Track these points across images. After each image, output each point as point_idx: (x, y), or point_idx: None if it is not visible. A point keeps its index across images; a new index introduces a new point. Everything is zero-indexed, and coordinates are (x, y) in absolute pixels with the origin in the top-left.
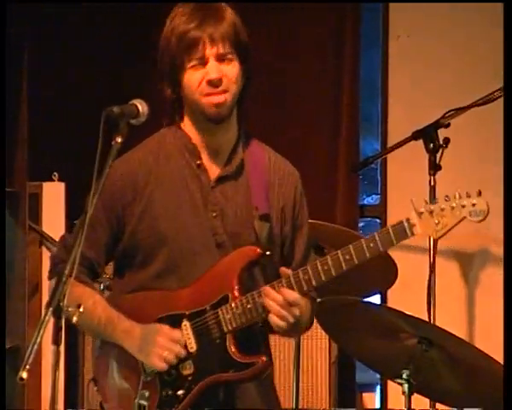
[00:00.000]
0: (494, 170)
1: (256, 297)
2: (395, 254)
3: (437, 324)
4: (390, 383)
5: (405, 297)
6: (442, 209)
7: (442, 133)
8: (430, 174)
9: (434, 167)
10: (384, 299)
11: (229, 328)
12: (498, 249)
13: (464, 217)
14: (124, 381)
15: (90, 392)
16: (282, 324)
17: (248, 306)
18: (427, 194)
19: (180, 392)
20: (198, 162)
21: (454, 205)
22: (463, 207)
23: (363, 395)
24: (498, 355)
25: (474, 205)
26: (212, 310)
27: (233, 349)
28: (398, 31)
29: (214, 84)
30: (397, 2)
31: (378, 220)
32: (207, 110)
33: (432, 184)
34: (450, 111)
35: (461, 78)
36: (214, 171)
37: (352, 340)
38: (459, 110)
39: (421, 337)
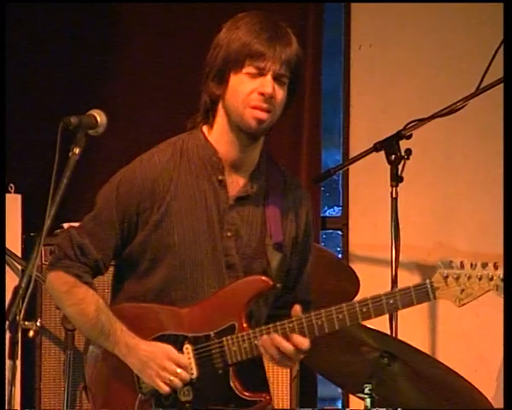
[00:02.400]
0: (457, 180)
1: (265, 334)
2: (357, 267)
3: (399, 337)
4: (352, 398)
5: None
6: (469, 277)
7: (404, 144)
8: (392, 186)
9: (396, 179)
10: None
11: (234, 360)
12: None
13: (490, 290)
14: (118, 394)
15: (46, 405)
16: (286, 366)
17: (255, 342)
18: (388, 206)
19: None
20: (220, 178)
21: (481, 275)
22: (491, 279)
23: (325, 409)
24: (460, 368)
25: (501, 279)
26: (216, 338)
27: (236, 384)
28: (360, 41)
29: (266, 98)
30: (359, 1)
31: (340, 232)
32: (248, 122)
33: (394, 195)
34: (412, 122)
35: (423, 88)
36: (234, 188)
37: (313, 354)
38: (421, 121)
39: (383, 351)
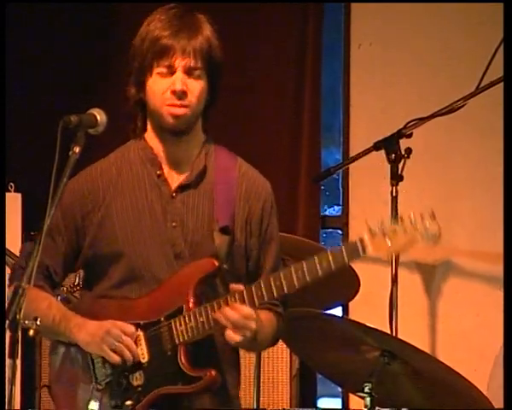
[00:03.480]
0: (457, 179)
1: (209, 310)
2: (357, 266)
3: (399, 336)
4: (352, 397)
5: (367, 309)
6: (395, 231)
7: (404, 143)
8: (392, 185)
9: (396, 178)
10: (346, 311)
11: (181, 340)
12: (460, 261)
13: (417, 241)
14: (76, 388)
15: (46, 404)
16: (238, 339)
17: (201, 319)
18: (389, 204)
19: (128, 402)
20: (158, 172)
21: (407, 228)
22: (415, 230)
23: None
24: (460, 367)
25: (426, 229)
26: (166, 321)
27: (183, 361)
28: (360, 40)
29: (178, 95)
30: (359, 1)
31: (340, 231)
32: (166, 119)
33: (394, 194)
34: (412, 121)
35: (423, 88)
36: (175, 181)
37: (313, 353)
38: (421, 120)
39: (383, 350)
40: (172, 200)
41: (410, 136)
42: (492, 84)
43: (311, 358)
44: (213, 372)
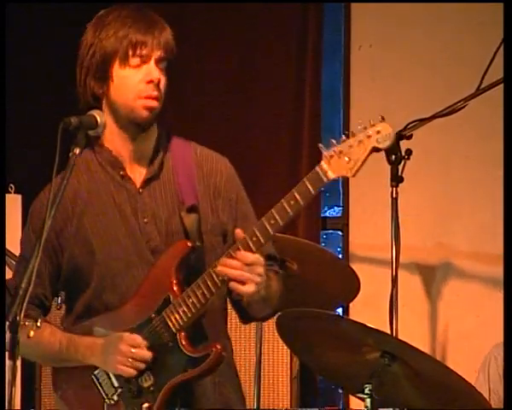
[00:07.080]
0: (457, 181)
1: (195, 289)
2: (357, 267)
3: (399, 337)
4: (352, 398)
5: (368, 311)
6: (350, 146)
7: (404, 145)
8: (392, 186)
9: (396, 179)
10: (346, 312)
11: (178, 327)
12: (460, 262)
13: (373, 147)
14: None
15: (46, 405)
16: (249, 289)
17: (190, 300)
18: (388, 206)
19: (145, 405)
20: (121, 173)
21: (361, 138)
22: (369, 137)
23: (326, 408)
24: (461, 369)
25: (378, 132)
26: (157, 316)
27: (185, 345)
28: (360, 41)
29: (154, 85)
30: (359, 1)
31: (340, 233)
32: (139, 113)
33: (394, 196)
34: (412, 122)
35: (423, 88)
36: (139, 177)
37: (313, 353)
38: (421, 121)
39: (383, 351)
40: (140, 196)
41: (410, 137)
42: (493, 85)
43: (311, 359)
44: (218, 346)
